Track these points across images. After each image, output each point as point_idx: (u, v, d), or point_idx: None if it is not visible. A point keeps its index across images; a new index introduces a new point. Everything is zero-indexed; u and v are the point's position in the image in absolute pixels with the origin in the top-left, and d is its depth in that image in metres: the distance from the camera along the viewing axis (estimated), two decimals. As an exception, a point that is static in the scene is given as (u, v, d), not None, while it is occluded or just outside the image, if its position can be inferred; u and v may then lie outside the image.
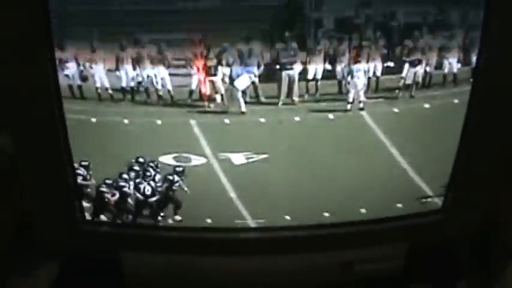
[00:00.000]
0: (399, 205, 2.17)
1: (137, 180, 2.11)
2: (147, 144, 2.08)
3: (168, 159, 2.09)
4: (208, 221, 2.16)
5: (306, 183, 2.15)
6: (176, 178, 2.10)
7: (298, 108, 2.07)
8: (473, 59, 1.95)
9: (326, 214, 2.17)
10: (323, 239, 2.19)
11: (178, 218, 2.16)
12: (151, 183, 2.12)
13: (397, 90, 2.07)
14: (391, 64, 2.04)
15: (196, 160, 2.10)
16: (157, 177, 2.12)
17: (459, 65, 2.03)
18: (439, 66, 2.05)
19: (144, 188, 2.12)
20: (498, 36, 1.85)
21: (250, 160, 2.10)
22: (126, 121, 2.04)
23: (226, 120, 2.05)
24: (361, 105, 2.06)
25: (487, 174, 2.08)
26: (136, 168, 2.10)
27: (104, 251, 2.17)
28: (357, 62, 2.01)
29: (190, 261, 2.21)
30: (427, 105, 2.08)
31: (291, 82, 2.04)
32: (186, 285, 2.27)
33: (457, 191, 2.11)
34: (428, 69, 2.04)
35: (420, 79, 2.05)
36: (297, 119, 2.07)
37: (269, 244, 2.19)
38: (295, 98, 2.05)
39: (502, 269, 2.35)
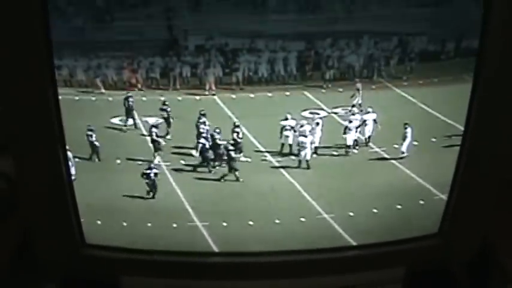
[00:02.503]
0: (396, 229, 2.19)
1: None
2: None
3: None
4: (209, 245, 2.18)
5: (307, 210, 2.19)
6: None
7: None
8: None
9: (324, 239, 2.18)
10: (320, 264, 2.19)
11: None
12: None
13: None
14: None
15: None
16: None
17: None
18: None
19: None
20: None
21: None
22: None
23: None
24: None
25: (484, 198, 2.09)
26: None
27: (103, 274, 2.17)
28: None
29: (188, 286, 2.21)
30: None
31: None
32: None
33: (454, 215, 2.12)
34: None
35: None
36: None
37: (269, 268, 2.19)
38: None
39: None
